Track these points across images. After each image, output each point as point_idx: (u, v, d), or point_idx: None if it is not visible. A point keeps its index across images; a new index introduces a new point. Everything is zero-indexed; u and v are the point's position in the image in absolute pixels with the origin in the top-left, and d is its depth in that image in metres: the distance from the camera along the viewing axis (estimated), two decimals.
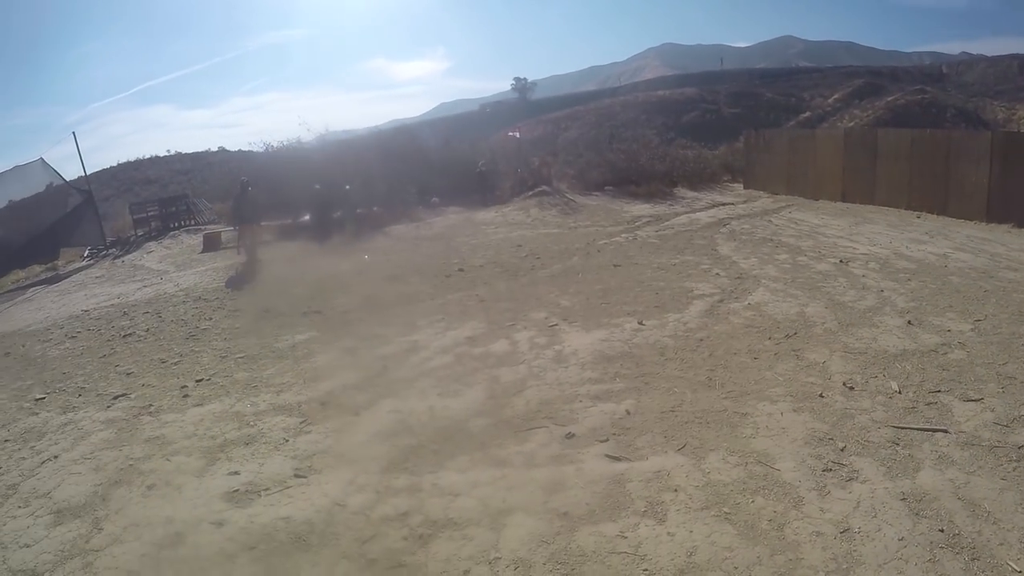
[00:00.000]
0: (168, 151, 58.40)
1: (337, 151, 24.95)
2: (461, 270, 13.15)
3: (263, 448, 6.35)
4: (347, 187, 20.26)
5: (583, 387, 7.26)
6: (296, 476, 5.77)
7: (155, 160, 56.49)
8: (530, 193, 22.69)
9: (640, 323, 9.32)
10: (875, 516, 4.89)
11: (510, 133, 30.89)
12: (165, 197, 25.69)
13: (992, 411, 6.58)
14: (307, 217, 19.48)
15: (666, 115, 56.70)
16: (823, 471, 5.50)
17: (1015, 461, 5.66)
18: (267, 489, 5.57)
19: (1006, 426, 6.28)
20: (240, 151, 47.94)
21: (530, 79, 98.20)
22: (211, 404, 7.55)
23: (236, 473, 5.87)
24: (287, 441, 6.44)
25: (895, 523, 4.81)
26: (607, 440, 6.06)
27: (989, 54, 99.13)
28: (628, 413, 6.60)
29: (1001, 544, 4.58)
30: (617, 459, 5.73)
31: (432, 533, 4.86)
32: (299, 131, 27.15)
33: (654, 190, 23.61)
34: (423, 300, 11.19)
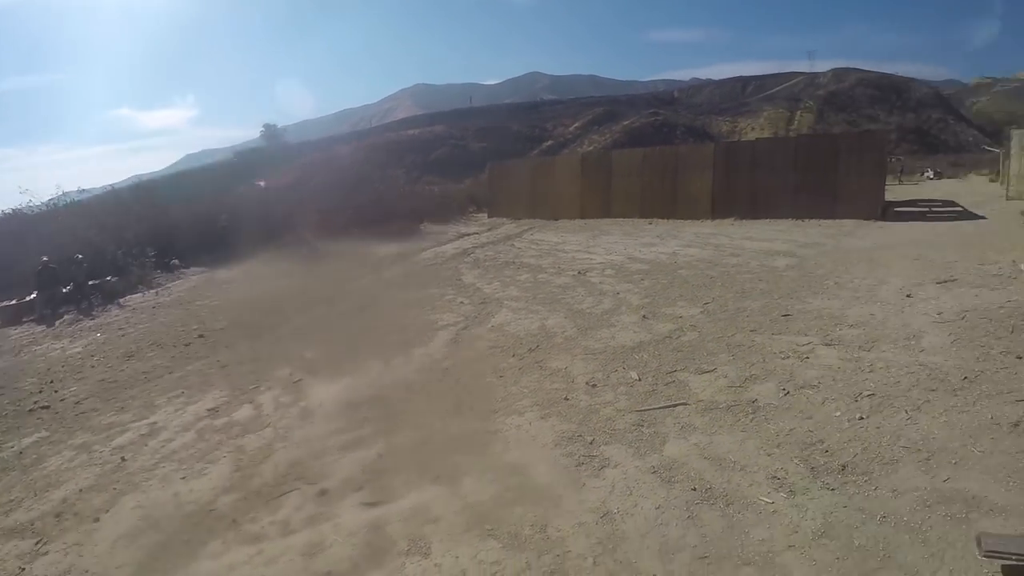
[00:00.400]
0: None
1: (68, 216, 23.16)
2: (202, 336, 12.50)
3: None
4: (78, 256, 18.79)
5: (331, 439, 7.15)
6: None
7: None
8: (277, 244, 22.22)
9: (386, 363, 9.37)
10: (631, 494, 5.27)
11: (257, 183, 30.16)
12: None
13: (725, 377, 7.39)
14: (33, 295, 17.85)
15: (416, 153, 57.89)
16: (576, 466, 5.81)
17: (751, 414, 6.39)
18: None
19: (739, 387, 7.08)
20: None
21: (281, 125, 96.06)
22: None
23: None
24: (23, 570, 5.72)
25: (650, 495, 5.21)
26: (361, 488, 6.01)
27: (716, 78, 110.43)
28: (380, 456, 6.58)
29: (751, 485, 5.15)
30: (373, 505, 5.70)
31: None
32: (23, 198, 24.78)
33: (401, 228, 24.03)
34: (161, 376, 10.48)
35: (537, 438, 6.48)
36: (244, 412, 8.40)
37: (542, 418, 6.93)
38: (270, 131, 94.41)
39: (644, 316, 10.12)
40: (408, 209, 26.15)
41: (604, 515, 5.04)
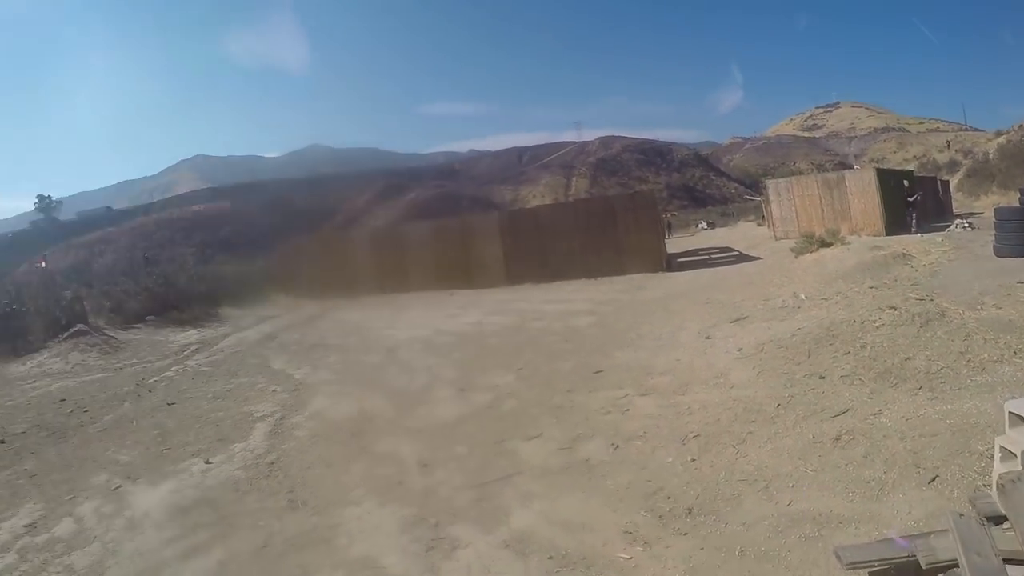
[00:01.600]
0: None
1: None
2: (2, 442, 11.38)
3: None
4: None
5: (167, 550, 6.70)
6: None
7: None
8: (66, 335, 20.72)
9: (207, 462, 9.00)
10: (488, 572, 5.22)
11: (38, 264, 28.19)
12: None
13: (553, 440, 7.62)
14: None
15: (204, 231, 55.79)
16: (427, 551, 5.70)
17: (587, 472, 6.61)
18: None
19: (569, 448, 7.32)
20: None
21: (55, 196, 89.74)
22: None
23: None
24: None
25: (508, 570, 5.19)
26: None
27: (493, 149, 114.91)
28: (221, 563, 6.22)
29: (605, 544, 5.26)
30: None
31: None
32: None
33: (199, 313, 23.16)
34: None
35: (380, 526, 6.35)
36: (65, 526, 7.77)
37: (381, 505, 6.83)
38: (45, 203, 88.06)
39: (461, 388, 10.32)
40: (203, 292, 25.30)
41: None
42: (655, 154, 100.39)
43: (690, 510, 5.53)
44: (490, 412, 9.10)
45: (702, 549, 4.96)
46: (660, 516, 5.55)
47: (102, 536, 7.42)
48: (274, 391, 12.13)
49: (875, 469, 5.49)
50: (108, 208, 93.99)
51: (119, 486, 8.79)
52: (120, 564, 6.74)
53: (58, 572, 6.83)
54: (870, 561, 4.06)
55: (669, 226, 44.18)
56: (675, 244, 30.81)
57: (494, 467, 7.28)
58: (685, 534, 5.22)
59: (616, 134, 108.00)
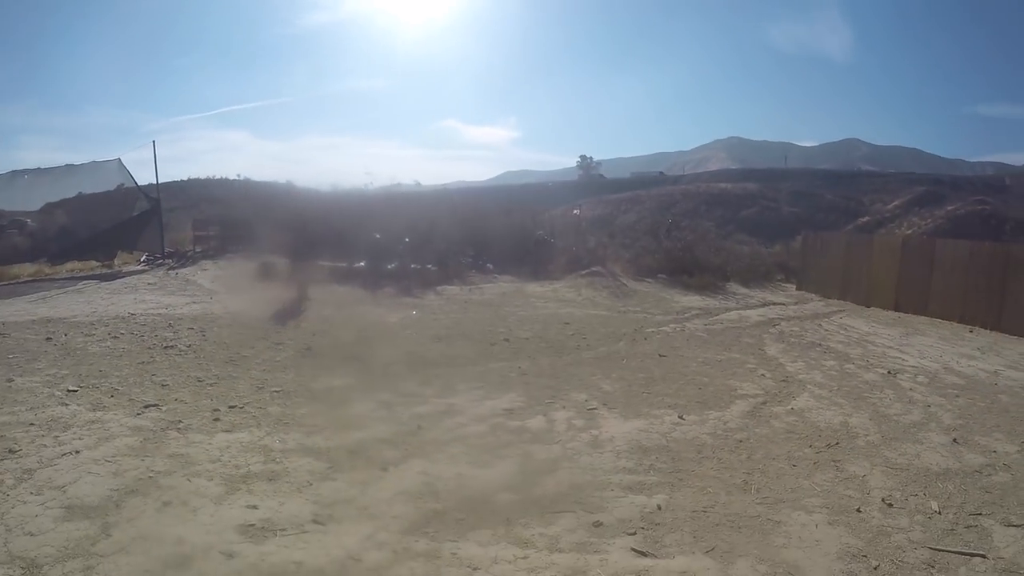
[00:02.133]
0: (238, 175, 60.01)
1: (400, 204, 25.38)
2: (507, 340, 13.06)
3: (285, 487, 6.24)
4: (406, 240, 20.47)
5: (616, 476, 7.05)
6: (315, 522, 5.63)
7: (224, 182, 57.92)
8: (583, 272, 22.69)
9: (680, 417, 9.12)
10: None
11: (572, 211, 31.09)
12: (229, 219, 26.26)
13: None
14: (362, 264, 19.66)
15: (725, 208, 56.66)
16: None
17: None
18: (283, 529, 5.45)
19: None
20: (307, 188, 49.18)
21: (595, 158, 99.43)
22: (240, 432, 7.53)
23: (254, 507, 5.77)
24: (311, 484, 6.32)
25: None
26: (635, 533, 5.84)
27: None
28: (659, 508, 6.37)
29: None
30: (643, 554, 5.50)
31: None
32: (366, 178, 27.81)
33: (706, 282, 23.58)
34: (465, 365, 11.10)
35: (821, 543, 5.94)
36: (537, 422, 8.58)
37: (829, 523, 6.36)
38: (585, 162, 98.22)
39: (955, 440, 8.96)
40: (716, 265, 25.61)
41: None
42: None
43: None
44: (978, 478, 7.78)
45: None
46: None
47: (566, 442, 7.99)
48: (762, 375, 11.82)
49: None
50: (660, 173, 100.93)
51: (595, 408, 9.34)
52: (571, 469, 7.19)
53: (518, 454, 7.53)
54: None
55: None
56: None
57: (959, 538, 6.27)
58: None
59: None
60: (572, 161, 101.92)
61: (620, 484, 6.86)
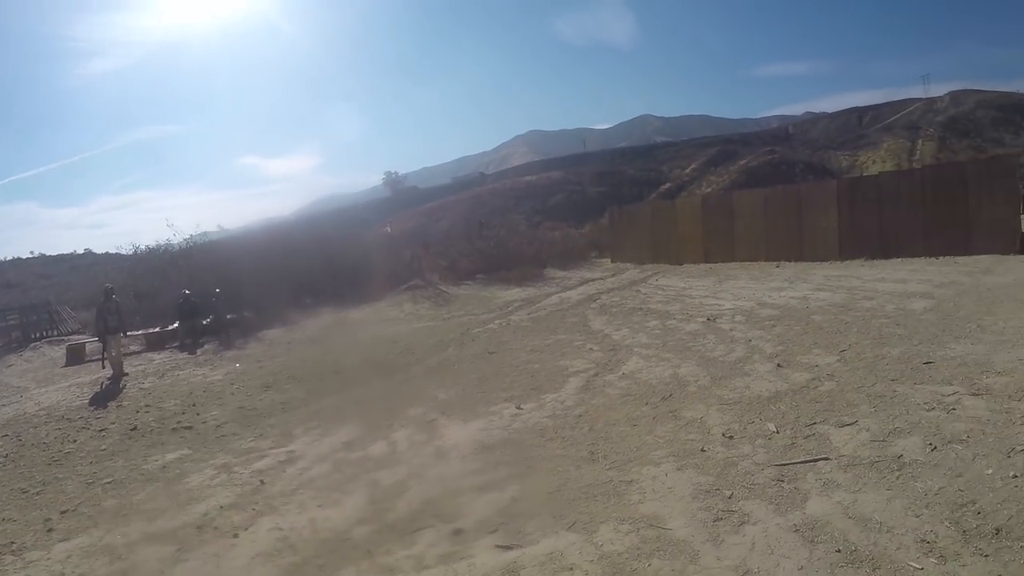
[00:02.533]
0: (31, 253, 56.22)
1: (207, 253, 24.50)
2: (336, 372, 12.90)
3: None
4: (217, 291, 19.78)
5: (466, 480, 7.13)
6: None
7: (16, 263, 53.86)
8: (403, 287, 22.81)
9: (518, 407, 9.35)
10: (772, 553, 4.98)
11: (382, 229, 31.07)
12: (26, 304, 24.51)
13: (867, 431, 6.95)
14: (176, 324, 18.83)
15: (534, 199, 58.17)
16: (714, 521, 5.56)
17: (897, 471, 5.97)
18: None
19: (882, 441, 6.64)
20: (107, 253, 46.51)
21: (401, 172, 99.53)
22: (79, 537, 6.98)
23: None
24: (163, 573, 5.97)
25: (792, 555, 4.91)
26: (496, 530, 5.92)
27: (830, 111, 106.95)
28: (514, 500, 6.49)
29: (899, 549, 4.78)
30: (508, 548, 5.59)
31: None
32: (168, 233, 26.66)
33: (525, 273, 24.18)
34: (298, 408, 10.88)
35: (674, 490, 6.27)
36: (379, 447, 8.54)
37: (678, 469, 6.72)
38: (391, 178, 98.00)
39: (779, 365, 9.73)
40: (530, 255, 26.34)
41: (744, 573, 4.80)
42: (1015, 110, 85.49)
43: (998, 531, 4.83)
44: (806, 392, 8.50)
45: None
46: (964, 531, 4.92)
47: (410, 460, 8.01)
48: (590, 349, 12.27)
49: None
50: (481, 173, 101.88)
51: (433, 419, 9.42)
52: (421, 485, 7.20)
53: (365, 484, 7.44)
54: None
55: None
56: None
57: (801, 449, 6.84)
58: (986, 556, 4.59)
59: (969, 87, 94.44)
60: (378, 179, 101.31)
61: (472, 487, 6.94)
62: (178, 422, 10.68)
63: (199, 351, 16.81)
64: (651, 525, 5.64)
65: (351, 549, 5.94)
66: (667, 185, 66.14)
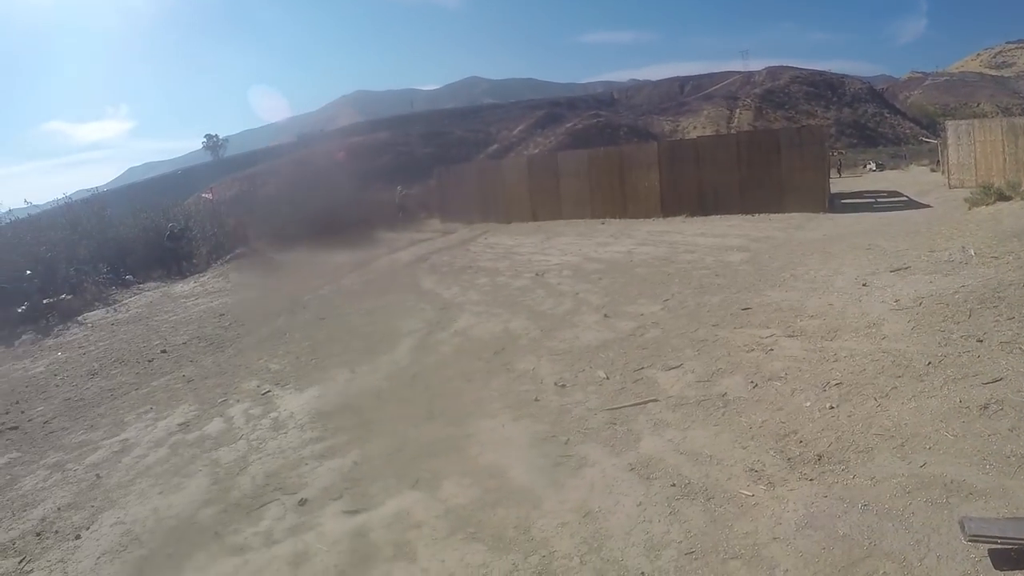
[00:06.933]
0: None
1: (15, 233, 22.80)
2: (164, 351, 12.55)
3: None
4: (27, 273, 18.57)
5: (306, 449, 7.26)
6: None
7: None
8: (229, 257, 22.21)
9: (352, 371, 9.55)
10: (611, 492, 5.33)
11: (203, 195, 29.90)
12: None
13: (692, 372, 7.56)
14: None
15: (361, 161, 57.12)
16: (554, 467, 5.91)
17: (722, 408, 6.55)
18: None
19: (707, 381, 7.26)
20: None
21: (222, 135, 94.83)
22: None
23: None
24: None
25: (630, 492, 5.27)
26: (341, 496, 6.08)
27: (654, 79, 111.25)
28: (356, 464, 6.67)
29: (729, 479, 5.25)
30: (355, 512, 5.76)
31: None
32: None
33: (355, 236, 23.96)
34: (128, 392, 10.54)
35: (512, 440, 6.62)
36: (215, 426, 8.49)
37: (515, 420, 7.09)
38: (212, 142, 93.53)
39: (606, 315, 10.35)
40: (359, 217, 26.13)
41: (587, 514, 5.10)
42: (826, 87, 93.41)
43: (820, 457, 5.40)
44: (632, 340, 9.10)
45: (825, 497, 4.85)
46: (789, 459, 5.45)
47: (248, 435, 8.04)
48: (422, 309, 12.60)
49: (1020, 444, 5.04)
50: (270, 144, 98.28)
51: (268, 391, 9.45)
52: (262, 460, 7.27)
53: (205, 465, 7.43)
54: (994, 537, 3.85)
55: (840, 165, 41.85)
56: (841, 184, 29.33)
57: (631, 393, 7.33)
58: (811, 480, 5.11)
59: (785, 64, 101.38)
60: (198, 143, 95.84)
61: (312, 455, 7.08)
62: (1, 423, 10.12)
63: (16, 343, 15.82)
64: (492, 476, 5.96)
65: (199, 533, 5.94)
66: (495, 146, 67.15)
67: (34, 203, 28.86)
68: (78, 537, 6.35)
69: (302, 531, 5.66)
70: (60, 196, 29.28)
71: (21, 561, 6.15)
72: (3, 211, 24.85)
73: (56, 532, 6.55)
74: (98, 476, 7.62)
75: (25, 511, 7.16)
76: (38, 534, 6.58)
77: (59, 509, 7.03)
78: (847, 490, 4.88)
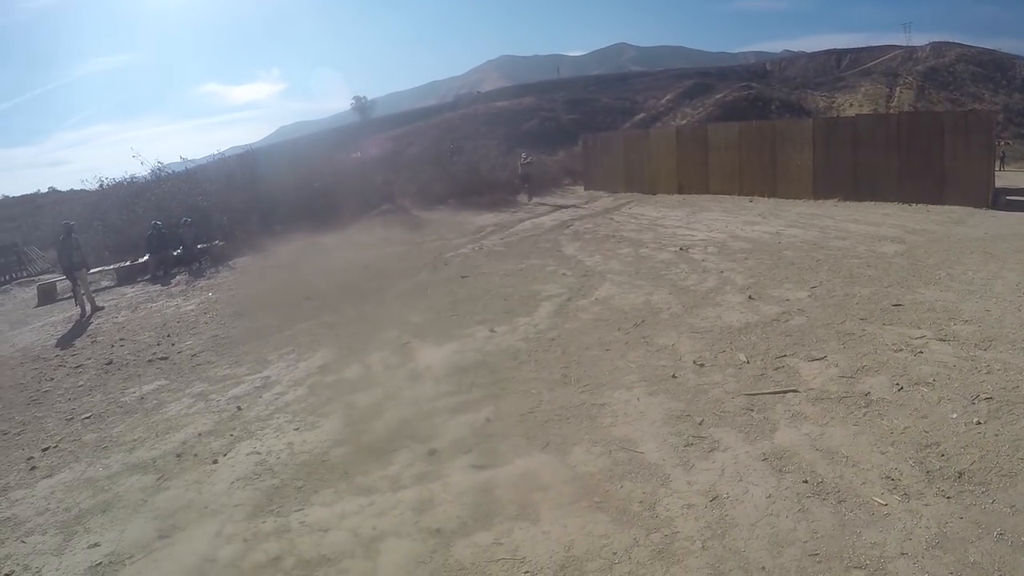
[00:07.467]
0: None
1: (175, 184, 24.05)
2: (308, 298, 12.84)
3: (122, 513, 5.87)
4: (185, 220, 19.50)
5: (440, 401, 7.23)
6: (160, 537, 5.36)
7: None
8: (374, 212, 22.62)
9: (491, 330, 9.45)
10: (741, 480, 5.15)
11: (352, 154, 30.61)
12: None
13: (836, 366, 7.15)
14: (147, 257, 18.60)
15: (506, 125, 57.28)
16: (685, 446, 5.73)
17: (864, 407, 6.16)
18: (131, 557, 5.16)
19: (851, 377, 6.84)
20: (72, 191, 45.36)
21: (370, 97, 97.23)
22: (61, 473, 6.95)
23: (96, 544, 5.40)
24: (146, 501, 5.98)
25: (761, 483, 5.08)
26: (470, 451, 6.04)
27: (808, 50, 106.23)
28: (488, 421, 6.62)
29: (864, 483, 4.96)
30: (482, 468, 5.72)
31: (307, 574, 4.66)
32: (133, 165, 26.13)
33: (497, 199, 24.10)
34: (272, 334, 10.86)
35: (645, 414, 6.42)
36: (353, 371, 8.60)
37: (650, 394, 6.88)
38: (360, 103, 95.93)
39: (750, 297, 9.91)
40: (503, 180, 26.15)
41: (714, 499, 4.94)
42: (995, 68, 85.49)
43: (960, 474, 4.99)
44: (776, 325, 8.67)
45: (961, 518, 4.49)
46: (927, 472, 5.07)
47: (385, 383, 8.08)
48: (564, 275, 12.40)
49: None
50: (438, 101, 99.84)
51: (408, 342, 9.48)
52: (396, 407, 7.29)
53: (341, 407, 7.53)
54: None
55: (1004, 157, 38.27)
56: (1007, 178, 26.72)
57: (771, 380, 7.01)
58: (948, 497, 4.74)
59: (951, 40, 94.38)
60: (347, 104, 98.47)
61: (446, 408, 7.05)
62: (153, 353, 10.63)
63: (171, 282, 16.65)
64: (623, 448, 5.80)
65: (329, 471, 6.05)
66: (641, 115, 65.59)
67: (189, 158, 30.26)
68: (215, 462, 6.57)
69: (429, 479, 5.67)
70: (215, 152, 30.53)
71: (160, 479, 6.43)
72: (162, 166, 26.03)
73: (195, 455, 6.80)
74: (239, 408, 7.87)
75: (168, 434, 7.48)
76: (178, 455, 6.86)
77: (199, 435, 7.31)
78: (984, 514, 4.55)
